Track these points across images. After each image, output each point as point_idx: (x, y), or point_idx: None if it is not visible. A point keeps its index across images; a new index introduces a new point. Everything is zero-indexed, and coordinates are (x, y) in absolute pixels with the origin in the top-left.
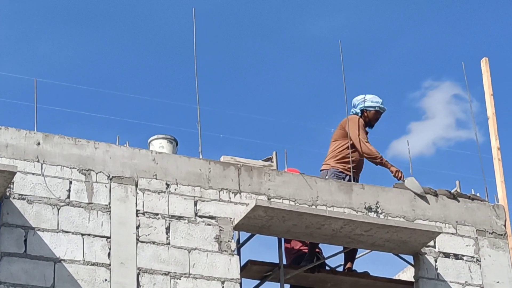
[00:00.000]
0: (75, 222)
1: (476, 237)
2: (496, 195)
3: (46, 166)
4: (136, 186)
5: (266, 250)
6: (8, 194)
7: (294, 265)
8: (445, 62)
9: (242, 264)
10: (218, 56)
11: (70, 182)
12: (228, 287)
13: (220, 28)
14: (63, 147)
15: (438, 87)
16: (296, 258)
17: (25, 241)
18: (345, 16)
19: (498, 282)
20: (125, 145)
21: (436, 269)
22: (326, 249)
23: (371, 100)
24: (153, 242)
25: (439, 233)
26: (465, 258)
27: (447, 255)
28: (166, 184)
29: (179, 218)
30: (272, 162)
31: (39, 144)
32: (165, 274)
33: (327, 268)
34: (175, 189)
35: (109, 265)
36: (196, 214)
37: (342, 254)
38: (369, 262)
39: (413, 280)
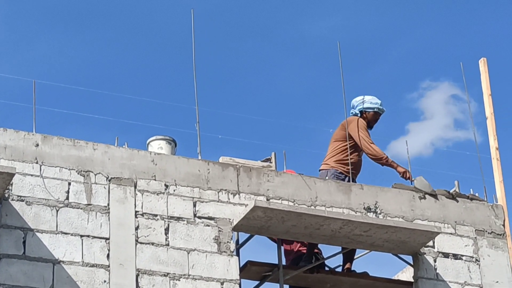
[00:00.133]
0: (74, 223)
1: (475, 237)
2: (495, 195)
3: (45, 167)
4: (135, 187)
5: (265, 250)
6: (6, 195)
7: (293, 265)
8: (443, 63)
9: (241, 265)
10: (216, 57)
11: (69, 184)
12: None
13: (218, 29)
14: (62, 149)
15: (436, 88)
16: (295, 259)
17: (24, 242)
18: (343, 16)
19: (497, 282)
20: (123, 146)
21: (435, 269)
22: (325, 250)
23: (370, 101)
24: (152, 243)
25: (438, 233)
26: (464, 258)
27: (446, 255)
28: (165, 185)
29: (178, 219)
30: (271, 162)
31: (37, 145)
32: (164, 275)
33: (327, 268)
34: (174, 190)
35: (108, 266)
36: (195, 215)
37: (341, 255)
38: (368, 262)
39: (412, 280)
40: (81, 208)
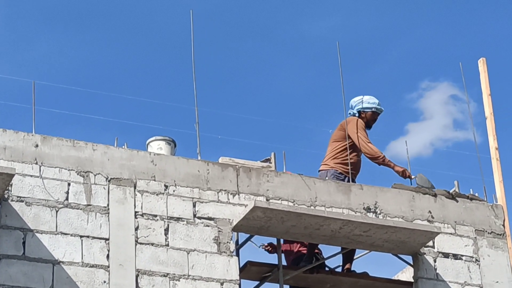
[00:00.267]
0: (73, 224)
1: (475, 237)
2: (495, 195)
3: (45, 168)
4: (135, 187)
5: (265, 251)
6: (6, 196)
7: (293, 266)
8: (443, 63)
9: (241, 265)
10: (216, 57)
11: (69, 184)
12: None
13: (218, 29)
14: (61, 149)
15: (436, 88)
16: (295, 259)
17: (24, 243)
18: (342, 17)
19: (497, 282)
20: (123, 146)
21: (435, 269)
22: (325, 250)
23: (367, 101)
24: (152, 244)
25: (438, 233)
26: (464, 258)
27: (446, 255)
28: (165, 185)
29: (178, 219)
30: (270, 163)
31: (37, 146)
32: (164, 276)
33: (326, 268)
34: (174, 191)
35: (108, 267)
36: (194, 216)
37: (341, 255)
38: (368, 262)
39: (412, 280)
40: (81, 209)
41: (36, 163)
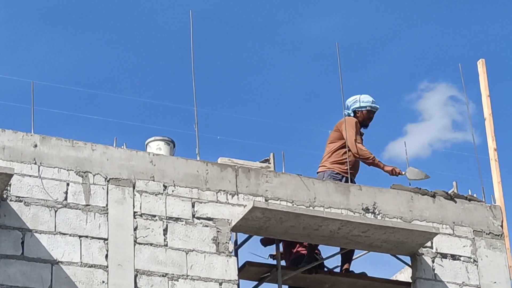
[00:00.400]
0: (72, 224)
1: (473, 238)
2: (493, 196)
3: (43, 168)
4: (134, 188)
5: (264, 251)
6: (5, 196)
7: (292, 266)
8: (441, 64)
9: (239, 265)
10: (215, 58)
11: (68, 184)
12: None
13: (217, 29)
14: (60, 149)
15: (434, 89)
16: (295, 260)
17: (23, 243)
18: (342, 17)
19: (495, 282)
20: (122, 147)
21: (434, 270)
22: (324, 250)
23: (362, 100)
24: (151, 244)
25: (436, 234)
26: (462, 258)
27: (444, 255)
28: (164, 185)
29: (177, 219)
30: (269, 163)
31: (36, 146)
32: (163, 276)
33: (325, 269)
34: (173, 191)
35: (107, 267)
36: (193, 216)
37: (340, 255)
38: (366, 263)
39: (410, 280)
40: (80, 209)
41: (35, 163)
